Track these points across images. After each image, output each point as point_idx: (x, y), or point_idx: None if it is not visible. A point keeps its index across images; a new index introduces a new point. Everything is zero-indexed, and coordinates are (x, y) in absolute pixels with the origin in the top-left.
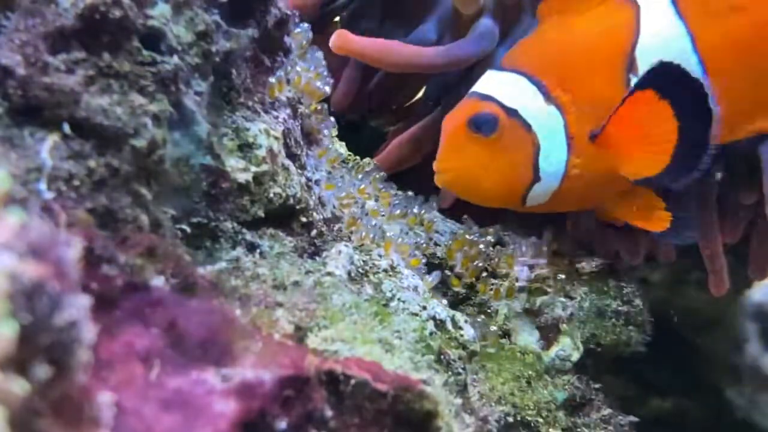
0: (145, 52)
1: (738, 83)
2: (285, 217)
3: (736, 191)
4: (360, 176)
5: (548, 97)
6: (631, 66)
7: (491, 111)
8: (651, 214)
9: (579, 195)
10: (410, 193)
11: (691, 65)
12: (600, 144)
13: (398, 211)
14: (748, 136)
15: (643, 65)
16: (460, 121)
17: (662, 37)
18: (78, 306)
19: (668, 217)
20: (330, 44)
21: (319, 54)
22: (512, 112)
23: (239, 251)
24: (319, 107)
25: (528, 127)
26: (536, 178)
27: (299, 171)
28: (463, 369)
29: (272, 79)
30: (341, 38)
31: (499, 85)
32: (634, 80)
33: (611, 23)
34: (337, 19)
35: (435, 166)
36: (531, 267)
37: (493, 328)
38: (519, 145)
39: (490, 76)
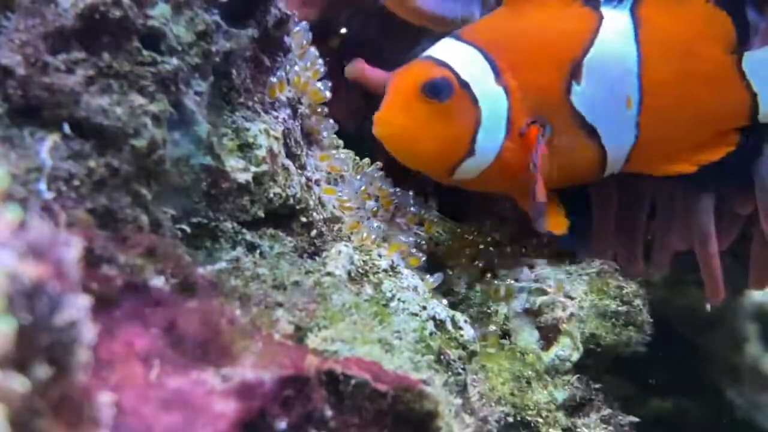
0: (145, 53)
1: (669, 122)
2: (285, 217)
3: (731, 200)
4: (359, 176)
5: (499, 77)
6: (575, 73)
7: (447, 78)
8: (553, 217)
9: (504, 178)
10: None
11: (631, 88)
12: (524, 140)
13: (399, 211)
14: (664, 175)
15: (588, 77)
16: (414, 81)
17: (613, 54)
18: (78, 306)
19: (566, 224)
20: (345, 72)
21: (317, 54)
22: (464, 84)
23: (239, 251)
24: (319, 108)
25: (475, 101)
26: (471, 152)
27: (299, 171)
28: (463, 369)
29: (273, 79)
30: (358, 70)
31: (456, 55)
32: (575, 88)
33: (569, 27)
34: (343, 30)
35: (377, 116)
36: (531, 267)
37: (493, 328)
38: (463, 116)
39: (448, 43)
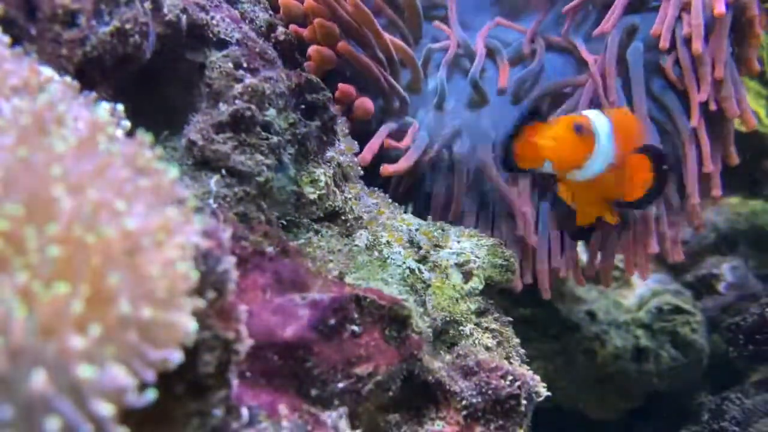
0: (263, 134)
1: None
2: (333, 216)
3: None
4: (375, 198)
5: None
6: None
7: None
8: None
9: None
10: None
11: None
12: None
13: (391, 213)
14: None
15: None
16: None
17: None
18: (229, 262)
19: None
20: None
21: (353, 140)
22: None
23: (310, 234)
24: (351, 163)
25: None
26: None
27: (341, 192)
28: (424, 293)
29: (329, 171)
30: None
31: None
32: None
33: None
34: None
35: (543, 138)
36: (458, 242)
37: (440, 273)
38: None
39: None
